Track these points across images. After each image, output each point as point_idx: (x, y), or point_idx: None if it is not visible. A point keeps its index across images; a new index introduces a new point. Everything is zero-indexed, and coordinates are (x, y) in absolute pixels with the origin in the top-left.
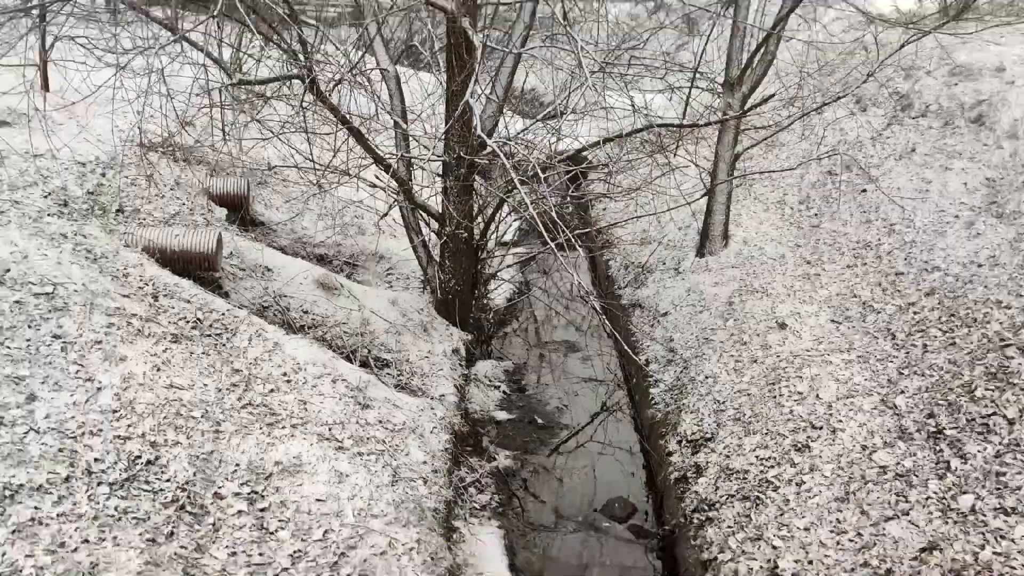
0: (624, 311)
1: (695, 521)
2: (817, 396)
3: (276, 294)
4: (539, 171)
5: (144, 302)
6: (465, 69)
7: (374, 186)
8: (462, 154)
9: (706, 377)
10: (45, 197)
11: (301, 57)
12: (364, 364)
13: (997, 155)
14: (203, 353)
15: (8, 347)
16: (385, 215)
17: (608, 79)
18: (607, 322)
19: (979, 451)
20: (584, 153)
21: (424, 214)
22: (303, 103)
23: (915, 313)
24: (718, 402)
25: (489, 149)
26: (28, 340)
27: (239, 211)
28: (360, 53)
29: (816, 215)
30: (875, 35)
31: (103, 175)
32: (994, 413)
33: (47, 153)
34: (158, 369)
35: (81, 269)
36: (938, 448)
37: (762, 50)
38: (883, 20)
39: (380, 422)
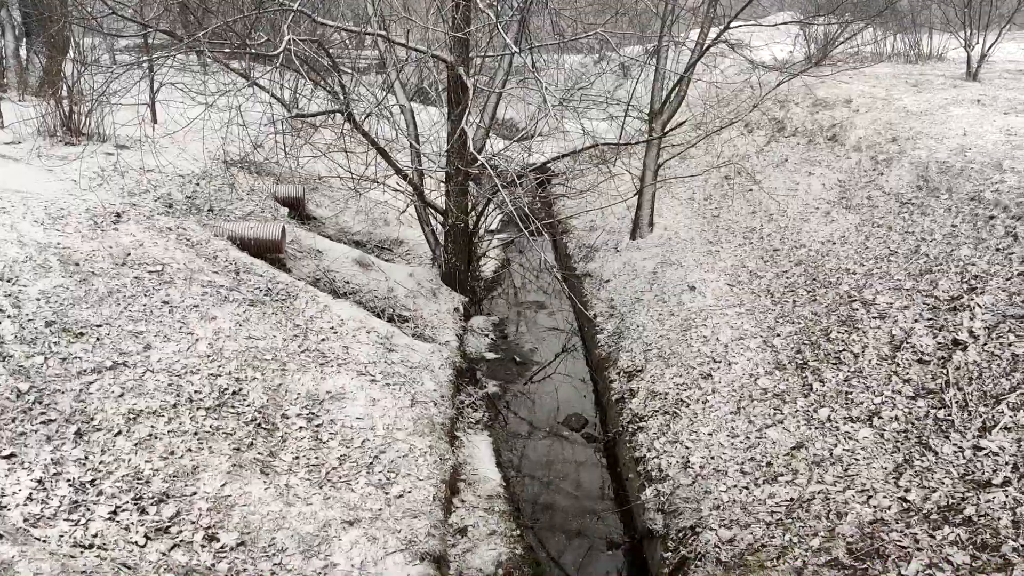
0: (579, 279)
1: (630, 430)
2: (717, 339)
3: (325, 269)
4: (515, 178)
5: (229, 276)
6: (461, 104)
7: (396, 190)
8: (459, 166)
9: (637, 326)
10: (155, 201)
11: (341, 96)
12: (390, 320)
13: (846, 163)
14: (272, 313)
15: (130, 310)
16: (404, 211)
17: (565, 111)
18: (565, 287)
19: (833, 377)
20: (548, 164)
21: (432, 210)
22: (343, 130)
23: (788, 278)
24: (646, 344)
25: (479, 162)
26: (144, 305)
27: (297, 209)
28: (384, 93)
29: (716, 208)
30: (759, 77)
31: (197, 184)
32: (844, 350)
33: (156, 168)
34: (239, 325)
35: (183, 253)
36: (804, 375)
37: (677, 89)
38: (764, 66)
39: (402, 361)
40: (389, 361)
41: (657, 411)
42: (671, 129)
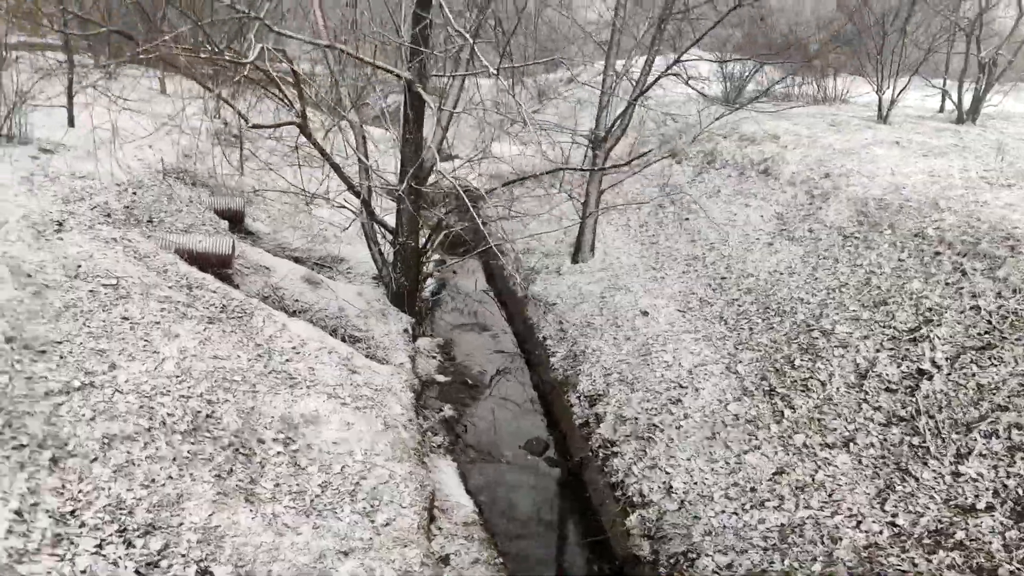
0: (520, 302)
1: (600, 455)
2: (680, 364)
3: (274, 287)
4: (483, 194)
5: (182, 292)
6: (417, 122)
7: (341, 207)
8: (413, 184)
9: (593, 350)
10: (92, 209)
11: (296, 108)
12: (343, 340)
13: (782, 196)
14: (232, 331)
15: (89, 326)
16: (347, 228)
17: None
18: (503, 310)
19: (803, 403)
20: (495, 188)
21: (381, 228)
22: (295, 143)
23: (739, 306)
24: (605, 368)
25: (434, 179)
26: (103, 320)
27: (236, 223)
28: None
29: (653, 235)
30: (699, 111)
31: (134, 194)
32: (811, 377)
33: (89, 175)
34: (203, 344)
35: (134, 266)
36: (773, 401)
37: (621, 118)
38: (712, 100)
39: (366, 383)
40: (354, 383)
41: (629, 436)
42: (614, 166)
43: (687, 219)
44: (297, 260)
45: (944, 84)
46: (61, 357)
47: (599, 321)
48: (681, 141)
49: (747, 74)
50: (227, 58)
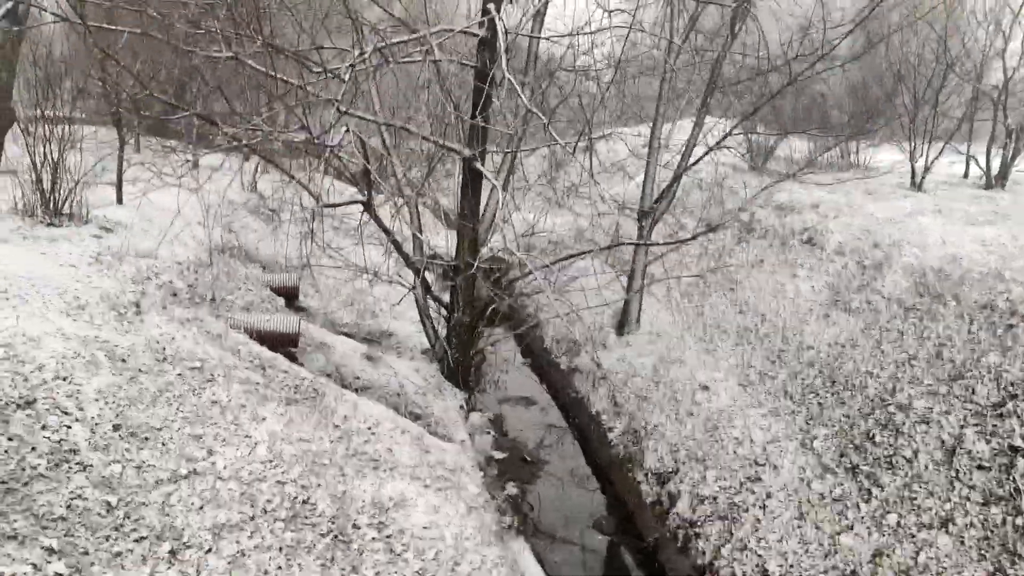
0: (564, 374)
1: (679, 536)
2: (751, 441)
3: (336, 364)
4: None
5: (258, 372)
6: (475, 196)
7: (391, 282)
8: (469, 259)
9: (654, 426)
10: (159, 288)
11: (364, 187)
12: (406, 417)
13: (831, 267)
14: (309, 412)
15: (183, 411)
16: (398, 303)
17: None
18: (543, 382)
19: (891, 481)
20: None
21: (435, 303)
22: (360, 222)
23: (803, 380)
24: (671, 445)
25: (489, 253)
26: (195, 405)
27: (291, 299)
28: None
29: (697, 306)
30: (744, 182)
31: (195, 272)
32: (894, 454)
33: (151, 255)
34: (287, 426)
35: (212, 347)
36: (858, 480)
37: (667, 190)
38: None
39: (439, 463)
40: (429, 463)
41: (711, 516)
42: (659, 244)
43: (732, 289)
44: (347, 335)
45: (968, 150)
46: (163, 444)
47: (656, 396)
48: (729, 213)
49: (772, 143)
50: (316, 142)
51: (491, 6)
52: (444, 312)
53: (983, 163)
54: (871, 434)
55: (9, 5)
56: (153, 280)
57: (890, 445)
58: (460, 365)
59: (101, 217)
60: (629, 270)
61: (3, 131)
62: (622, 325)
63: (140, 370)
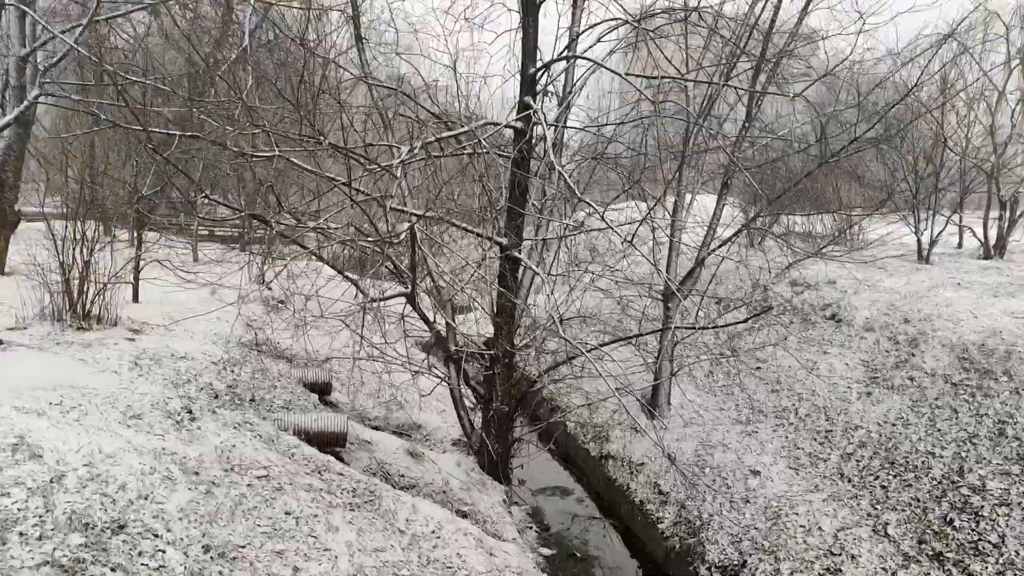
0: (594, 461)
1: None
2: (820, 528)
3: (380, 461)
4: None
5: (316, 477)
6: (513, 284)
7: (419, 372)
8: (508, 347)
9: (709, 516)
10: (199, 391)
11: (408, 280)
12: (457, 515)
13: (863, 343)
14: (373, 518)
15: (260, 525)
16: (429, 394)
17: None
18: (569, 469)
19: (982, 570)
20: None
21: (471, 393)
22: (403, 315)
23: (857, 461)
24: (732, 536)
25: (526, 341)
26: (270, 518)
27: (324, 395)
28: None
29: (724, 386)
30: (767, 260)
31: (232, 372)
32: (979, 539)
33: (186, 355)
34: (359, 535)
35: (272, 453)
36: (946, 568)
37: (693, 271)
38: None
39: (507, 567)
40: (498, 567)
41: None
42: (682, 327)
43: (758, 368)
44: (376, 428)
45: (960, 221)
46: (251, 564)
47: (704, 481)
48: (758, 292)
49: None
50: (384, 239)
51: (528, 99)
52: (473, 401)
53: (980, 234)
54: (948, 518)
55: (21, 108)
56: (193, 382)
57: (972, 530)
58: (500, 458)
59: (126, 318)
60: (658, 351)
61: (8, 233)
62: (653, 408)
63: (213, 483)
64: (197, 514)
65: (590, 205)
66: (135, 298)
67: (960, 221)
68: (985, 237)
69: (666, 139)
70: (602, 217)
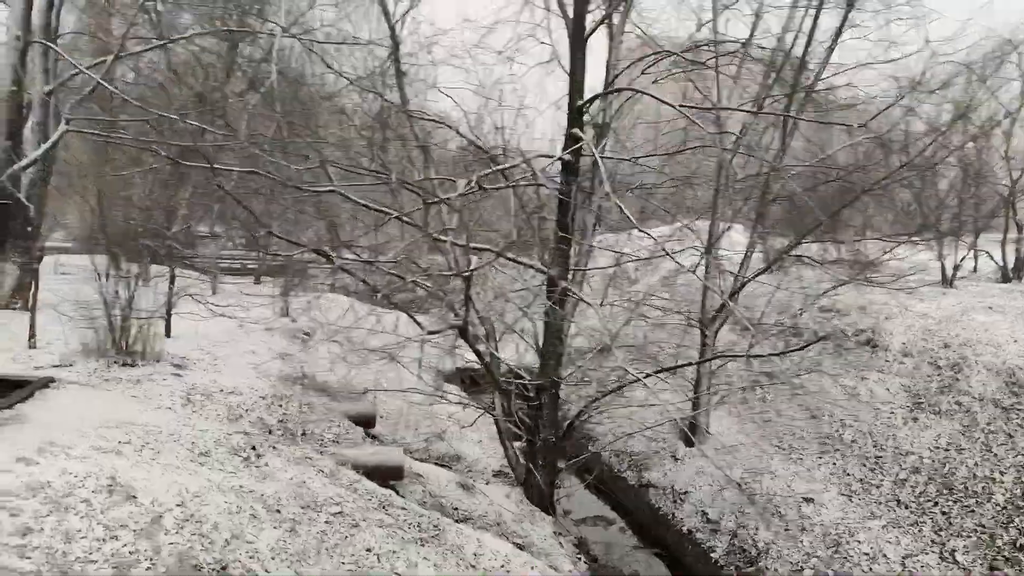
0: (634, 491)
1: None
2: (884, 556)
3: (434, 494)
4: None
5: (380, 511)
6: (561, 312)
7: (462, 404)
8: (556, 378)
9: (766, 544)
10: (251, 425)
11: (458, 313)
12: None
13: (902, 368)
14: (443, 552)
15: (344, 562)
16: (471, 425)
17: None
18: (607, 498)
19: None
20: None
21: (517, 425)
22: (454, 345)
23: (912, 487)
24: (793, 564)
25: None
26: (352, 555)
27: (368, 427)
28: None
29: (760, 412)
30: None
31: (281, 406)
32: None
33: (234, 390)
34: (436, 570)
35: (341, 489)
36: None
37: (728, 301)
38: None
39: None
40: None
41: None
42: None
43: (796, 394)
44: (421, 461)
45: (975, 246)
46: None
47: (754, 510)
48: (791, 316)
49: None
50: (458, 272)
51: (576, 131)
52: (517, 431)
53: (997, 257)
54: (1019, 544)
55: (48, 144)
56: (245, 417)
57: None
58: (550, 488)
59: (167, 353)
60: (695, 379)
61: (36, 268)
62: (692, 436)
63: (295, 520)
64: (287, 553)
65: (648, 235)
66: (167, 332)
67: (975, 246)
68: (1004, 260)
69: (707, 168)
70: (664, 248)
